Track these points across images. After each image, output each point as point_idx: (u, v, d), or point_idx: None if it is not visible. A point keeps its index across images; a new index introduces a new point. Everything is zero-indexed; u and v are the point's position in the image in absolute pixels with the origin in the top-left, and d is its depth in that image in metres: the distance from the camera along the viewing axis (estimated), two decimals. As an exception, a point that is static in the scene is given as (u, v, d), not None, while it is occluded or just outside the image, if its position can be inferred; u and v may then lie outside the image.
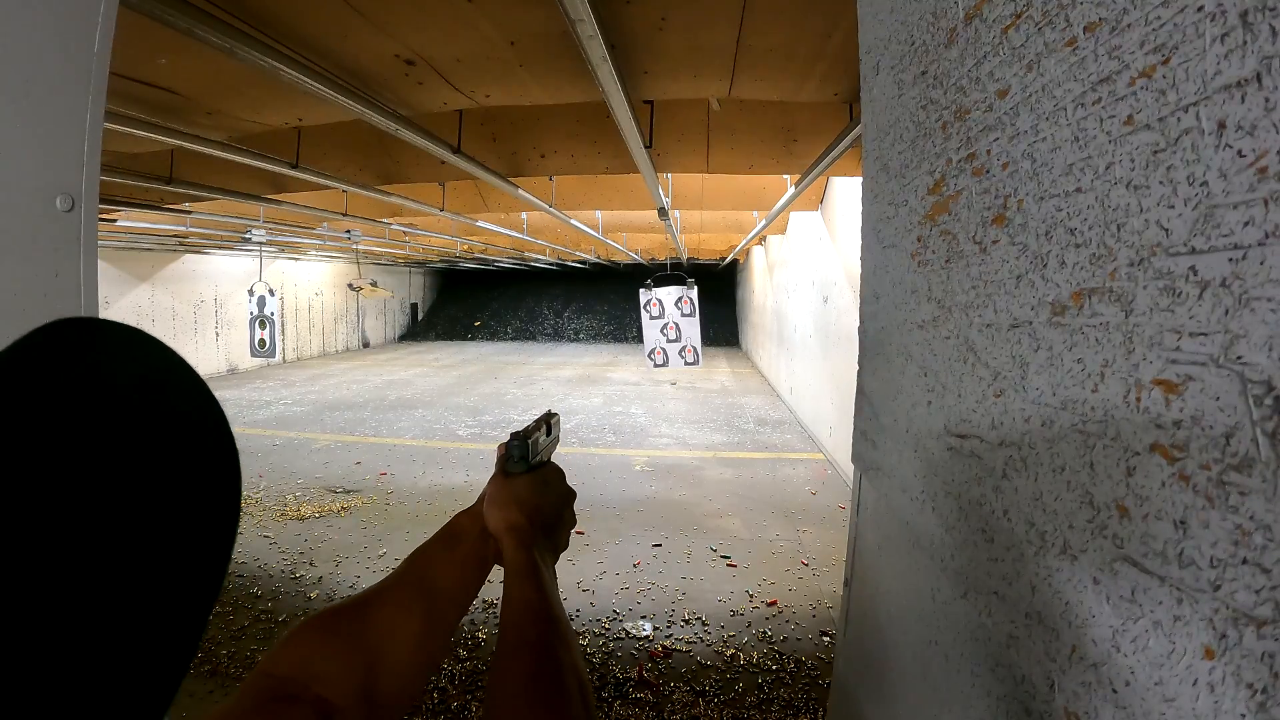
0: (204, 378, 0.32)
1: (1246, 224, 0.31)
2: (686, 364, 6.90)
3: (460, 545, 0.64)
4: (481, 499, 0.67)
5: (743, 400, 9.74)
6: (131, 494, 0.27)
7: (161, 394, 0.30)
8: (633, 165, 3.32)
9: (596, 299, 21.60)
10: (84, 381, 0.28)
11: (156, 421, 0.29)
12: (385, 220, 6.47)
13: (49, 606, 0.23)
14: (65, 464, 0.25)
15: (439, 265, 18.54)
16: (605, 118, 2.63)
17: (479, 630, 3.10)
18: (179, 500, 0.28)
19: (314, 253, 11.89)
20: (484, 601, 3.26)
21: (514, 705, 0.47)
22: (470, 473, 5.79)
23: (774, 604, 3.41)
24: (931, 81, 0.69)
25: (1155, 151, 0.38)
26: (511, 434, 0.68)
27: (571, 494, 0.72)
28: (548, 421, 0.75)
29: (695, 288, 6.79)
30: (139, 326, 0.31)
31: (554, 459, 0.75)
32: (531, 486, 0.67)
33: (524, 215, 6.78)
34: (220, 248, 10.14)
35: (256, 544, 4.12)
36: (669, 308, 6.85)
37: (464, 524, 0.66)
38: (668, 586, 3.61)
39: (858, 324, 1.00)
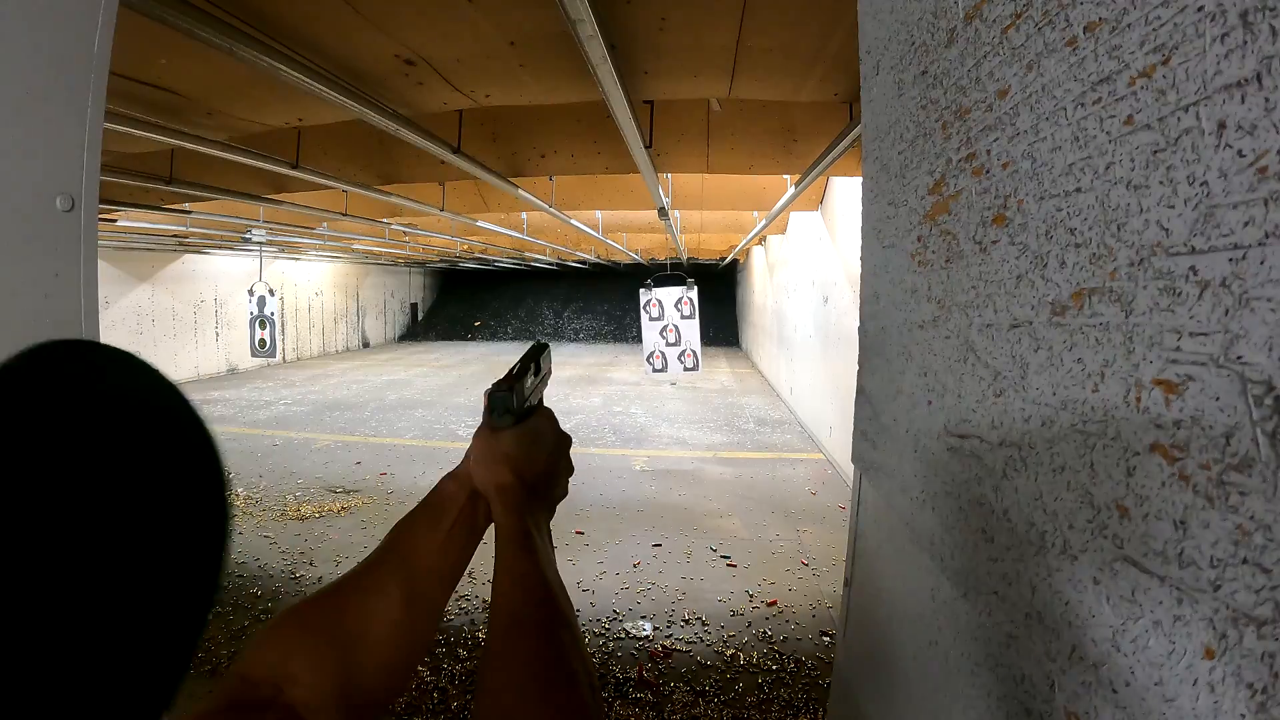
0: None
1: (1246, 224, 0.31)
2: (685, 369, 6.87)
3: (445, 517, 0.58)
4: (467, 457, 0.61)
5: (743, 400, 9.74)
6: (119, 499, 0.28)
7: (142, 403, 0.32)
8: (633, 165, 3.32)
9: (596, 299, 21.58)
10: (70, 395, 0.29)
11: (141, 429, 0.30)
12: (385, 220, 6.47)
13: (50, 609, 0.24)
14: (60, 472, 0.26)
15: (439, 265, 18.53)
16: (605, 118, 2.63)
17: (479, 630, 3.10)
18: (165, 503, 0.29)
19: (314, 253, 11.89)
20: (484, 602, 3.25)
21: (517, 694, 0.42)
22: (470, 473, 5.78)
23: (774, 604, 3.41)
24: (931, 81, 0.69)
25: (1155, 151, 0.38)
26: (494, 383, 0.59)
27: (566, 439, 0.64)
28: (535, 359, 0.65)
29: (695, 289, 6.77)
30: (129, 332, 0.33)
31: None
32: (519, 441, 0.59)
33: (524, 215, 6.77)
34: (220, 248, 10.14)
35: (256, 544, 4.12)
36: (669, 309, 6.84)
37: (450, 490, 0.60)
38: (668, 586, 3.61)
39: (858, 324, 1.00)
